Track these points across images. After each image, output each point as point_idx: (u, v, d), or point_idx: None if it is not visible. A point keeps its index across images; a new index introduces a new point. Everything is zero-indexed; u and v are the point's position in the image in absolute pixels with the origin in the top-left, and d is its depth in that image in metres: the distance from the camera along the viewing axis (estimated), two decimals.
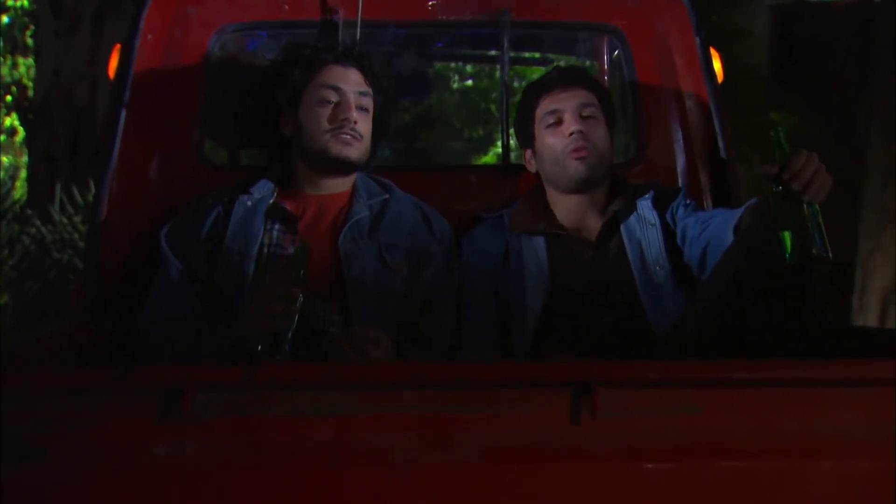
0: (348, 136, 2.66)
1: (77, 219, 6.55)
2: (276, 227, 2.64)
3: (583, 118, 2.77)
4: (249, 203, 2.68)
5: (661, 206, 2.81)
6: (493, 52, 3.73)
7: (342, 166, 2.69)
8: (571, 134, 2.76)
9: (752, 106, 7.80)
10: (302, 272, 2.30)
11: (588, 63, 3.70)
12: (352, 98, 2.67)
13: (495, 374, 1.65)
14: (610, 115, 2.85)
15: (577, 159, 2.75)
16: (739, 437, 1.57)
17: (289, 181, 2.76)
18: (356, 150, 2.67)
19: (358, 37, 2.99)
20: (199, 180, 2.91)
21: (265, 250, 2.60)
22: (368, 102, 2.72)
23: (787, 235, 2.17)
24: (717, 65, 3.04)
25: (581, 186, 2.79)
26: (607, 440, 1.56)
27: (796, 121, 7.62)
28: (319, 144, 2.67)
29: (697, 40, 3.04)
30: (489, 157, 10.30)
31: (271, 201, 2.69)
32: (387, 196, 2.79)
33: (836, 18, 7.89)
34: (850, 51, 7.60)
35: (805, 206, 2.17)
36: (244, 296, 2.51)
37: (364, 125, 2.70)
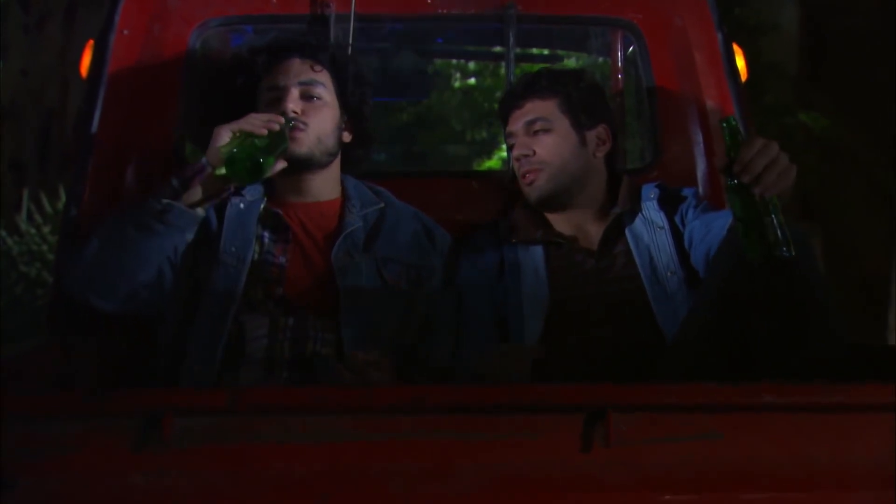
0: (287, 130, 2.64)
1: (46, 229, 6.56)
2: (267, 234, 2.65)
3: (533, 135, 2.82)
4: (242, 206, 2.69)
5: (668, 206, 2.82)
6: (497, 49, 3.74)
7: (294, 165, 2.65)
8: (518, 159, 2.83)
9: (779, 106, 7.81)
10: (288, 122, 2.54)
11: (601, 60, 3.71)
12: (292, 90, 2.67)
13: (499, 398, 1.66)
14: (584, 112, 2.85)
15: (527, 185, 2.83)
16: (765, 466, 1.58)
17: (273, 189, 2.77)
18: (301, 144, 2.64)
19: (351, 32, 3.00)
20: None
21: (255, 258, 2.61)
22: (320, 91, 2.71)
23: (741, 231, 2.18)
24: (740, 62, 3.05)
25: (544, 207, 2.85)
26: (621, 469, 1.57)
27: (827, 123, 7.63)
28: None
29: (719, 35, 3.05)
30: (494, 162, 10.30)
31: (263, 206, 2.70)
32: (382, 205, 2.79)
33: (871, 11, 7.90)
34: (885, 47, 7.61)
35: (760, 200, 2.16)
36: (233, 308, 2.53)
37: (312, 115, 2.68)
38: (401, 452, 1.58)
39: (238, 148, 2.45)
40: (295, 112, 2.64)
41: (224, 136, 2.49)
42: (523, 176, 2.82)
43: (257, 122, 2.50)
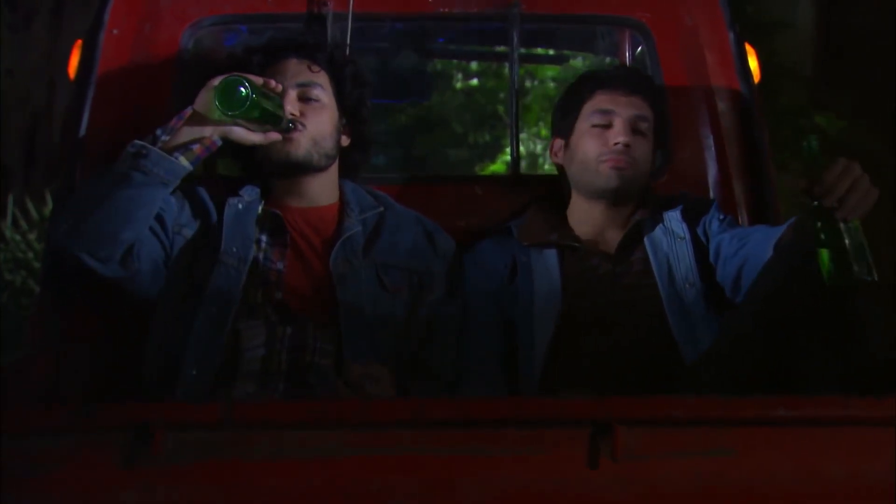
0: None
1: (32, 236, 6.56)
2: (265, 238, 2.66)
3: (634, 131, 2.81)
4: (240, 206, 2.70)
5: (691, 218, 2.83)
6: (500, 49, 3.75)
7: (291, 168, 2.68)
8: (617, 144, 2.79)
9: (794, 108, 7.81)
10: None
11: (608, 61, 3.72)
12: (290, 91, 2.68)
13: (503, 411, 1.66)
14: (660, 135, 2.89)
15: (613, 167, 2.78)
16: (779, 483, 1.58)
17: (269, 193, 2.77)
18: (298, 146, 2.66)
19: (349, 31, 3.01)
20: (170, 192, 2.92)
21: (254, 260, 2.62)
22: (318, 93, 2.72)
23: (824, 255, 2.19)
24: (753, 62, 3.06)
25: (608, 195, 2.82)
26: (630, 486, 1.57)
27: (843, 125, 7.63)
28: (264, 148, 2.68)
29: (731, 35, 3.06)
30: (497, 166, 10.31)
31: (261, 208, 2.71)
32: (381, 209, 2.80)
33: (889, 9, 7.90)
34: None
35: (842, 223, 2.18)
36: (233, 310, 2.54)
37: (310, 117, 2.69)
38: (401, 468, 1.58)
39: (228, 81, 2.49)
40: (293, 114, 2.65)
41: (216, 81, 2.50)
42: (616, 160, 2.78)
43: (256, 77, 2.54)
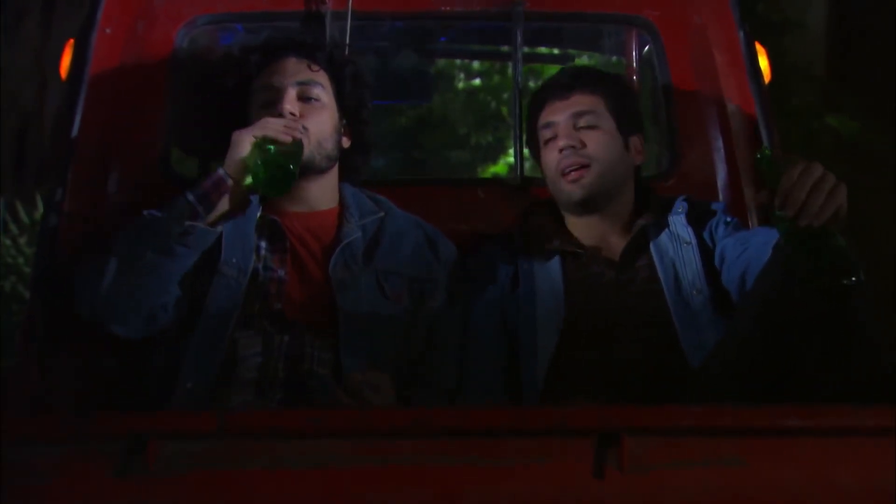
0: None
1: (22, 240, 6.57)
2: (264, 245, 2.66)
3: (579, 129, 2.80)
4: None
5: (696, 222, 2.82)
6: (504, 48, 3.75)
7: None
8: (562, 150, 2.79)
9: (806, 110, 7.82)
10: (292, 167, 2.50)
11: (614, 60, 3.72)
12: (289, 90, 2.68)
13: (507, 421, 1.66)
14: (627, 117, 2.86)
15: (570, 182, 2.78)
16: (790, 495, 1.58)
17: (267, 196, 2.77)
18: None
19: (348, 30, 3.01)
20: (166, 196, 2.92)
21: (255, 270, 2.62)
22: (318, 92, 2.72)
23: (799, 263, 2.16)
24: (763, 62, 3.06)
25: (581, 210, 2.83)
26: (636, 497, 1.57)
27: (857, 127, 7.63)
28: None
29: (741, 34, 3.06)
30: (500, 168, 10.33)
31: (259, 214, 2.71)
32: (382, 214, 2.80)
33: None
34: None
35: (812, 229, 2.11)
36: (231, 323, 2.54)
37: (311, 117, 2.69)
38: (402, 479, 1.58)
39: (263, 158, 2.48)
40: (293, 114, 2.65)
41: (245, 144, 2.52)
42: (566, 171, 2.78)
43: (279, 128, 2.54)
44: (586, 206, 2.81)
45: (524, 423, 1.65)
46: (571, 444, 1.59)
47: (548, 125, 2.84)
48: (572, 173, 2.77)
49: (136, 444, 1.57)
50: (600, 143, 2.80)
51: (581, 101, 2.83)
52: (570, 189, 2.79)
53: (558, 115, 2.83)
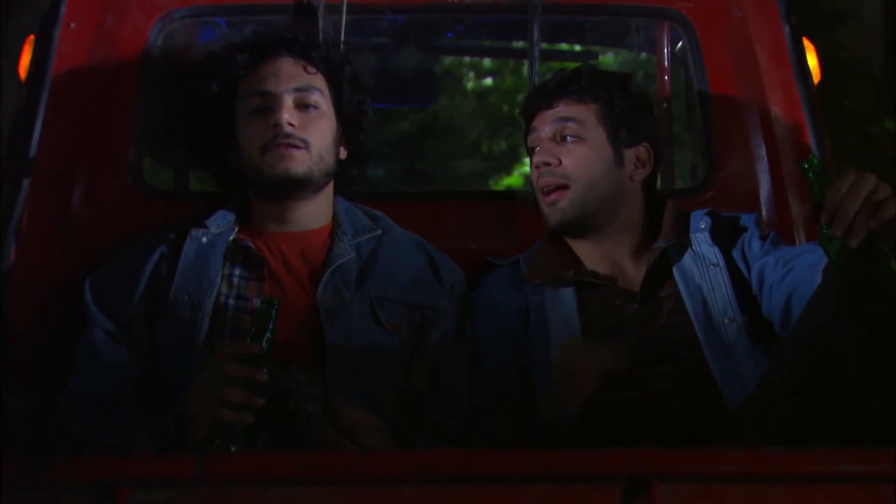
0: (283, 147, 2.65)
1: None
2: (237, 272, 2.66)
3: (562, 141, 2.81)
4: (205, 240, 2.69)
5: (723, 238, 2.81)
6: (519, 44, 3.76)
7: (287, 186, 2.68)
8: (538, 167, 2.81)
9: (861, 112, 7.82)
10: (268, 337, 2.29)
11: (643, 58, 3.73)
12: (285, 98, 2.69)
13: (524, 465, 1.66)
14: (626, 127, 2.84)
15: (546, 205, 2.80)
16: None
17: (249, 215, 2.78)
18: (299, 162, 2.66)
19: (343, 25, 3.01)
20: (137, 211, 2.93)
21: (223, 302, 2.62)
22: (317, 98, 2.73)
23: (849, 288, 2.14)
24: (812, 60, 3.06)
25: (566, 233, 2.84)
26: None
27: None
28: (254, 164, 2.68)
29: (786, 28, 3.07)
30: (514, 180, 10.32)
31: (231, 238, 2.71)
32: (379, 232, 2.80)
33: None
34: None
35: (864, 248, 2.10)
36: (194, 364, 2.53)
37: (311, 128, 2.69)
38: None
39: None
40: (291, 125, 2.65)
41: (202, 426, 2.28)
42: (543, 191, 2.80)
43: (239, 398, 2.26)
44: (567, 229, 2.83)
45: (542, 467, 1.65)
46: (595, 490, 1.60)
47: (533, 136, 2.86)
48: (551, 194, 2.79)
49: (104, 493, 1.57)
50: (581, 159, 2.79)
51: (566, 110, 2.83)
52: (547, 211, 2.82)
53: (541, 125, 2.84)
